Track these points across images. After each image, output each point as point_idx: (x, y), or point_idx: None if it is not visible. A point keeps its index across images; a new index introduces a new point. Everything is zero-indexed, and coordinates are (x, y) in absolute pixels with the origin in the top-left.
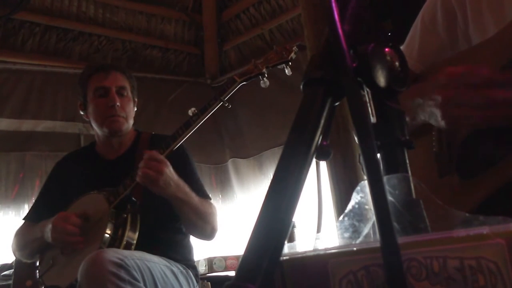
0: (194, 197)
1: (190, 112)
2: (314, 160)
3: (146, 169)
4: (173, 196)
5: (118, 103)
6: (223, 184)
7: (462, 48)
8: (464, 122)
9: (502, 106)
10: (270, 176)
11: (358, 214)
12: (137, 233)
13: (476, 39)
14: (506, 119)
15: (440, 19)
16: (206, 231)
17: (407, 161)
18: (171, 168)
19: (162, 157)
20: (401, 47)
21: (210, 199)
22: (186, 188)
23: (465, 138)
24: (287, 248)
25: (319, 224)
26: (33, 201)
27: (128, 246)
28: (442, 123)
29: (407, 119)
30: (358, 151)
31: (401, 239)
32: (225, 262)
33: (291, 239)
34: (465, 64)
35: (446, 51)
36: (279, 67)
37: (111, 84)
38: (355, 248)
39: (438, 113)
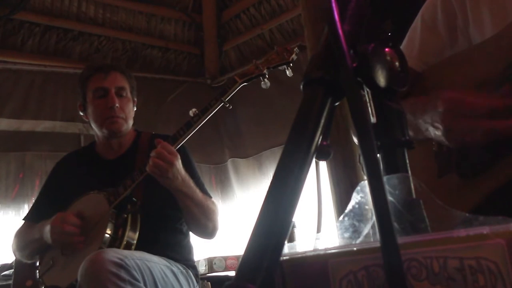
0: (198, 193)
1: (191, 113)
2: (314, 160)
3: (157, 159)
4: (179, 189)
5: (117, 104)
6: (223, 184)
7: (462, 47)
8: (469, 145)
9: (502, 132)
10: (270, 176)
11: (358, 214)
12: (137, 233)
13: (476, 39)
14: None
15: (440, 18)
16: (208, 228)
17: (407, 161)
18: (180, 161)
19: (173, 149)
20: (401, 47)
21: (211, 197)
22: (191, 182)
23: None
24: (287, 248)
25: (319, 224)
26: (33, 201)
27: (128, 246)
28: (448, 144)
29: (411, 133)
30: (358, 151)
31: (401, 239)
32: (225, 262)
33: (291, 239)
34: (461, 90)
35: (447, 50)
36: (279, 68)
37: (110, 85)
38: (355, 248)
39: (443, 139)
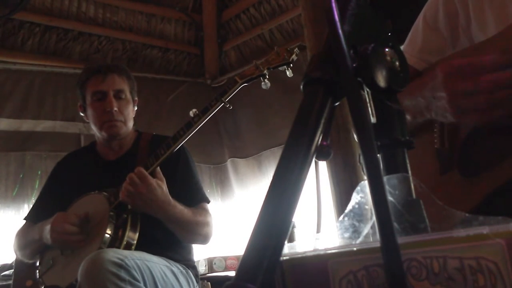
0: (185, 215)
1: (191, 113)
2: (313, 160)
3: (129, 186)
4: (157, 214)
5: (115, 108)
6: (223, 184)
7: (463, 46)
8: (475, 112)
9: (507, 87)
10: (270, 175)
11: (358, 214)
12: (137, 234)
13: (477, 37)
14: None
15: (442, 17)
16: (197, 241)
17: (407, 161)
18: (156, 190)
19: (147, 177)
20: (402, 46)
21: (209, 201)
22: (177, 207)
23: (467, 135)
24: (287, 248)
25: (319, 224)
26: (33, 201)
27: (128, 247)
28: (451, 118)
29: (408, 117)
30: (358, 151)
31: (401, 239)
32: (225, 262)
33: (291, 239)
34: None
35: (448, 49)
36: (280, 68)
37: (108, 88)
38: (355, 248)
39: (447, 108)
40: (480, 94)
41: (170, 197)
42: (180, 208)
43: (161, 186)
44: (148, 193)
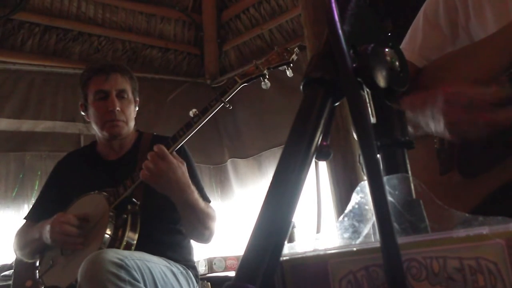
0: (200, 203)
1: (191, 113)
2: (313, 160)
3: (149, 163)
4: (176, 196)
5: (118, 108)
6: (223, 184)
7: (463, 42)
8: (471, 137)
9: (502, 123)
10: (269, 176)
11: (358, 215)
12: (137, 234)
13: (477, 34)
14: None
15: (442, 14)
16: (204, 236)
17: (407, 161)
18: (176, 170)
19: (166, 153)
20: (402, 43)
21: (209, 201)
22: (195, 193)
23: None
24: (287, 248)
25: (318, 224)
26: (33, 201)
27: (128, 247)
28: (450, 138)
29: (410, 129)
30: (358, 151)
31: (401, 239)
32: (225, 262)
33: (291, 239)
34: (461, 84)
35: (448, 46)
36: (280, 68)
37: (111, 88)
38: (355, 248)
39: (446, 132)
40: (478, 127)
41: (190, 181)
42: (197, 196)
43: (181, 167)
44: (169, 171)
